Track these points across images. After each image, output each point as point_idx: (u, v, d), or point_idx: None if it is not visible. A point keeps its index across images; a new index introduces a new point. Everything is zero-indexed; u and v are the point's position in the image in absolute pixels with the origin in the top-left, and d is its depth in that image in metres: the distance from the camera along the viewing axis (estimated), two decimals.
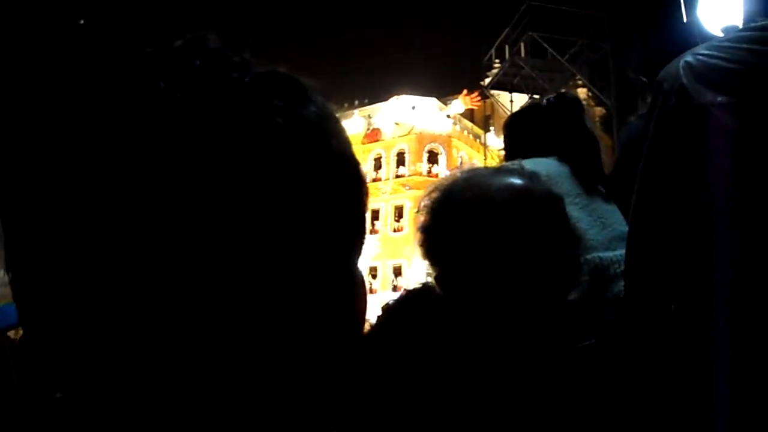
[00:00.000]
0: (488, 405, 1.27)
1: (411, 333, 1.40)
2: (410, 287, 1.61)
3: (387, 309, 1.53)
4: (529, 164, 1.70)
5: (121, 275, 0.54)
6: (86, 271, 0.55)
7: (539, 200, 1.36)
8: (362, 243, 0.69)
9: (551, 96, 2.39)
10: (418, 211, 1.45)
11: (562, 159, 2.04)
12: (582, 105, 2.33)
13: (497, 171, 1.43)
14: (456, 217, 1.37)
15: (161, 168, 0.55)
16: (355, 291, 0.68)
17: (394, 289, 35.49)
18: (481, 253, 1.31)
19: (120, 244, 0.54)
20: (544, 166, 1.62)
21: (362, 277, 0.70)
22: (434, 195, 1.44)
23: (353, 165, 0.68)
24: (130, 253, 0.54)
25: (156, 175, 0.54)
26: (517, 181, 1.38)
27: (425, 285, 1.59)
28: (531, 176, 1.41)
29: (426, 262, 1.44)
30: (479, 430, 1.26)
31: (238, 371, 0.57)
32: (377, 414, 1.33)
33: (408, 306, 1.49)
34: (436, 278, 1.43)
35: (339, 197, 0.64)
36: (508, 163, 1.51)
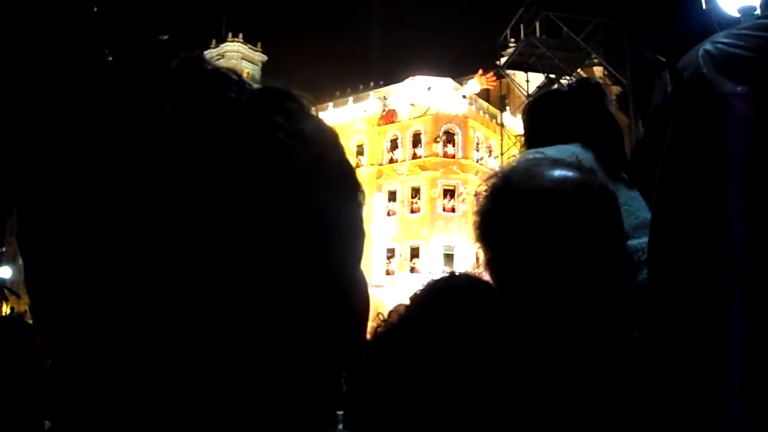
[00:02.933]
0: (537, 394, 1.30)
1: (453, 323, 1.42)
2: (434, 276, 1.63)
3: (418, 300, 1.55)
4: (553, 152, 1.72)
5: (131, 280, 0.57)
6: (95, 274, 0.58)
7: (597, 195, 1.39)
8: (362, 245, 0.71)
9: (573, 81, 2.39)
10: (475, 195, 1.48)
11: (585, 145, 2.04)
12: (604, 90, 2.33)
13: (556, 163, 1.45)
14: (516, 205, 1.39)
15: (172, 189, 0.58)
16: (355, 292, 0.70)
17: (412, 270, 35.40)
18: (538, 242, 1.34)
19: (132, 256, 0.57)
20: (568, 153, 1.63)
21: (364, 278, 0.73)
22: (493, 181, 1.47)
23: (351, 173, 0.71)
24: (141, 264, 0.57)
25: (167, 196, 0.57)
26: (576, 174, 1.41)
27: (452, 274, 1.61)
28: (589, 171, 1.44)
29: (477, 245, 1.46)
30: (531, 418, 1.29)
31: (231, 370, 0.59)
32: (428, 402, 1.35)
33: (441, 296, 1.51)
34: (488, 261, 1.45)
35: (339, 204, 0.67)
36: (563, 156, 1.52)
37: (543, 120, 2.30)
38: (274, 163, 0.61)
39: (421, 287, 1.60)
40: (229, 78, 0.65)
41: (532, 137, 2.34)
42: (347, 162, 0.71)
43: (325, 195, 0.64)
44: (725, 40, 1.56)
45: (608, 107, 2.24)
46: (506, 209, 1.41)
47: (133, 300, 0.57)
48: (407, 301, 1.60)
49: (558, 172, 1.42)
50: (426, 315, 1.49)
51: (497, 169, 1.53)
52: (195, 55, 0.67)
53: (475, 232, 1.48)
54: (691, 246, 1.55)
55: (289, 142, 0.63)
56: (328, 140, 0.68)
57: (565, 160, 1.47)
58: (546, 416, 1.28)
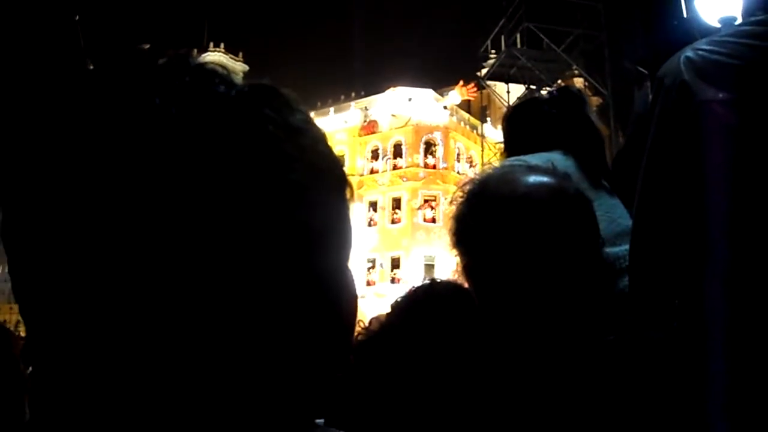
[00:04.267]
0: (513, 399, 1.29)
1: (435, 329, 1.41)
2: (415, 284, 1.62)
3: (398, 307, 1.54)
4: (535, 159, 1.71)
5: (125, 275, 0.56)
6: (79, 274, 0.57)
7: (572, 200, 1.39)
8: (350, 242, 0.71)
9: (554, 89, 2.39)
10: (451, 201, 1.49)
11: (566, 153, 2.03)
12: (585, 98, 2.33)
13: (532, 169, 1.46)
14: (491, 210, 1.40)
15: (161, 178, 0.57)
16: (344, 290, 0.69)
17: (393, 280, 35.44)
18: (513, 247, 1.34)
19: (128, 248, 0.56)
20: (548, 160, 1.63)
21: (352, 277, 0.72)
22: (469, 187, 1.47)
23: (339, 167, 0.70)
24: (132, 256, 0.56)
25: (155, 184, 0.56)
26: (551, 180, 1.41)
27: (432, 281, 1.60)
28: (564, 176, 1.44)
29: (453, 251, 1.47)
30: (506, 423, 1.28)
31: (217, 372, 0.58)
32: (403, 409, 1.34)
33: (422, 303, 1.51)
34: (464, 267, 1.46)
35: (329, 199, 0.67)
36: (541, 163, 1.53)
37: (523, 128, 2.30)
38: (266, 155, 0.61)
39: (402, 295, 1.59)
40: (216, 73, 0.65)
41: (512, 145, 2.34)
42: (335, 156, 0.70)
43: (315, 189, 0.64)
44: (707, 47, 1.56)
45: (590, 115, 2.24)
46: (481, 214, 1.41)
47: (117, 299, 0.56)
48: (388, 310, 1.59)
49: (533, 178, 1.42)
50: (407, 322, 1.48)
51: (474, 176, 1.53)
52: (182, 52, 0.66)
53: (451, 238, 1.48)
54: (672, 252, 1.55)
55: (279, 134, 0.62)
56: (317, 134, 0.68)
57: (540, 167, 1.48)
58: (523, 423, 1.28)
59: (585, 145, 2.11)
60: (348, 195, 0.70)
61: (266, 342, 0.60)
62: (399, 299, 1.57)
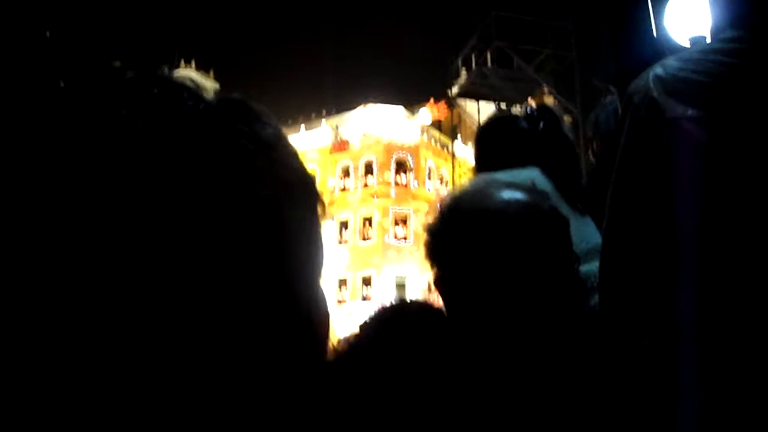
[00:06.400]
0: (484, 416, 1.29)
1: (403, 349, 1.40)
2: (385, 302, 1.60)
3: (367, 327, 1.53)
4: (507, 175, 1.70)
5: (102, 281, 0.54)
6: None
7: (546, 217, 1.41)
8: (322, 257, 0.70)
9: (529, 106, 2.38)
10: (426, 215, 1.55)
11: (542, 169, 2.01)
12: (561, 115, 2.32)
13: (508, 185, 1.47)
14: (463, 224, 1.42)
15: (125, 190, 0.55)
16: (316, 305, 0.68)
17: (364, 299, 35.40)
18: (484, 261, 1.36)
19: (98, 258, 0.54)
20: (523, 177, 1.62)
21: (323, 292, 0.71)
22: (446, 202, 1.50)
23: (311, 182, 0.70)
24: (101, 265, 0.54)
25: (120, 197, 0.55)
26: (526, 196, 1.43)
27: (401, 300, 1.59)
28: (540, 193, 1.46)
29: (426, 270, 1.52)
30: None
31: (181, 384, 0.57)
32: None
33: (391, 322, 1.49)
34: (435, 280, 1.49)
35: (300, 212, 0.66)
36: (515, 179, 1.54)
37: (497, 144, 2.28)
38: (237, 169, 0.60)
39: (371, 315, 1.58)
40: (184, 86, 0.64)
41: (484, 161, 2.32)
42: (307, 172, 0.69)
43: (286, 204, 0.63)
44: (676, 64, 1.57)
45: (566, 133, 2.24)
46: (455, 227, 1.43)
47: (75, 308, 0.54)
48: (356, 331, 1.57)
49: (508, 194, 1.43)
50: (375, 342, 1.46)
51: (450, 192, 1.56)
52: (151, 67, 0.65)
53: (425, 250, 1.51)
54: (643, 269, 1.55)
55: (250, 148, 0.61)
56: (288, 148, 0.67)
57: (516, 183, 1.49)
58: None
59: (560, 163, 2.10)
60: (320, 211, 0.69)
61: (235, 361, 0.59)
62: (367, 319, 1.56)
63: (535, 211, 1.39)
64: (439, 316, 1.45)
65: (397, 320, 1.49)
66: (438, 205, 1.51)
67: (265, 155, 0.62)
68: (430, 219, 1.51)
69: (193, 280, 0.56)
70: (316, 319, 0.68)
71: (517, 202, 1.41)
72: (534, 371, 1.33)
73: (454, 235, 1.43)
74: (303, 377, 0.67)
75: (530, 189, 1.45)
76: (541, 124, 2.22)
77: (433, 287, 1.53)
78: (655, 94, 1.53)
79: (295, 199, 0.65)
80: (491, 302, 1.35)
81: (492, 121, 2.42)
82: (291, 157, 0.67)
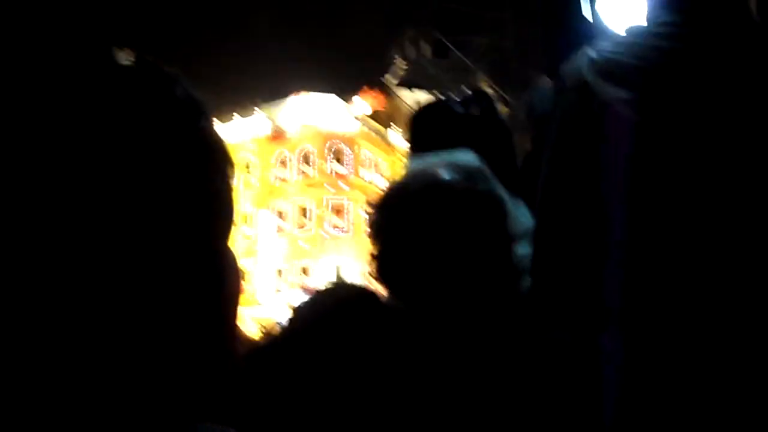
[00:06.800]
0: (419, 400, 1.30)
1: (339, 331, 1.40)
2: (320, 287, 1.60)
3: (301, 310, 1.52)
4: (439, 157, 1.70)
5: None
6: None
7: (482, 196, 1.46)
8: (232, 219, 0.70)
9: (464, 91, 2.38)
10: (370, 198, 1.60)
11: (473, 152, 2.01)
12: (495, 99, 2.33)
13: (449, 165, 1.52)
14: (405, 202, 1.47)
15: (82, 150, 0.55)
16: (223, 271, 0.68)
17: (302, 289, 35.29)
18: (423, 239, 1.40)
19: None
20: (454, 158, 1.62)
21: (234, 257, 0.72)
22: (390, 184, 1.60)
23: (222, 142, 0.70)
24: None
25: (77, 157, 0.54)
26: (462, 177, 1.47)
27: (335, 284, 1.58)
28: (477, 173, 1.51)
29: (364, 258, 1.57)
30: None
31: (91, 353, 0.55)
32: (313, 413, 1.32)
33: (326, 306, 1.49)
34: (374, 256, 1.53)
35: (211, 173, 0.66)
36: (459, 162, 1.56)
37: (431, 127, 2.27)
38: (166, 133, 0.61)
39: (305, 300, 1.57)
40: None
41: (418, 144, 2.31)
42: (220, 136, 0.69)
43: (209, 162, 0.62)
44: (608, 47, 1.58)
45: (500, 116, 2.25)
46: (396, 206, 1.48)
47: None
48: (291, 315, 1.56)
49: (446, 174, 1.46)
50: (310, 326, 1.45)
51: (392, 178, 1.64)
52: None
53: (368, 228, 1.58)
54: (573, 253, 1.56)
55: (176, 110, 0.63)
56: (200, 109, 0.66)
57: (456, 163, 1.50)
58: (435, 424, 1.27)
59: (494, 146, 2.10)
60: (230, 172, 0.69)
61: (149, 324, 0.58)
62: (302, 303, 1.55)
63: (473, 190, 1.41)
64: (373, 298, 1.45)
65: (330, 303, 1.49)
66: (380, 190, 1.55)
67: (189, 119, 0.62)
68: (374, 199, 1.57)
69: (124, 231, 0.56)
70: (228, 276, 0.68)
71: (456, 181, 1.44)
72: (470, 354, 1.34)
73: (395, 213, 1.47)
74: (214, 344, 0.66)
75: (466, 169, 1.46)
76: (476, 108, 2.22)
77: (369, 275, 1.56)
78: (588, 77, 1.54)
79: (211, 162, 0.64)
80: (429, 281, 1.37)
81: (427, 106, 2.42)
82: (203, 118, 0.67)
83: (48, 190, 0.54)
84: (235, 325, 0.73)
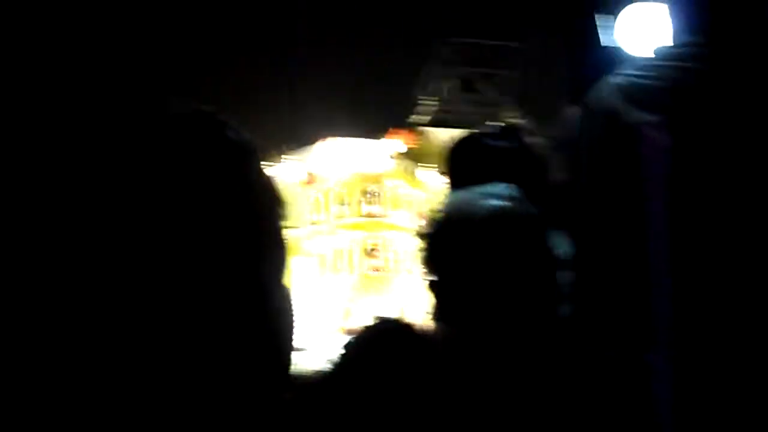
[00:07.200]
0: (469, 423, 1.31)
1: (388, 365, 1.42)
2: (369, 323, 1.62)
3: (354, 345, 1.54)
4: (488, 188, 1.72)
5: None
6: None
7: (528, 221, 1.50)
8: (285, 256, 0.72)
9: (496, 125, 2.40)
10: (418, 225, 1.62)
11: (509, 185, 2.01)
12: (527, 132, 2.34)
13: (491, 195, 1.57)
14: (453, 231, 1.52)
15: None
16: (274, 307, 0.70)
17: (345, 331, 34.87)
18: (472, 266, 1.44)
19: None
20: (503, 189, 1.64)
21: (288, 294, 0.73)
22: (436, 211, 1.62)
23: (274, 184, 0.74)
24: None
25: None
26: (508, 203, 1.53)
27: (380, 320, 1.60)
28: (520, 200, 1.55)
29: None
30: None
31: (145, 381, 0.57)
32: None
33: (379, 341, 1.51)
34: (430, 284, 1.55)
35: (266, 212, 0.70)
36: (499, 189, 1.60)
37: (466, 162, 2.28)
38: (222, 172, 0.64)
39: (354, 336, 1.59)
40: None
41: (456, 181, 2.31)
42: (266, 172, 0.73)
43: (263, 205, 0.64)
44: (634, 72, 1.59)
45: (532, 149, 2.25)
46: (445, 235, 1.52)
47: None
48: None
49: (492, 202, 1.52)
50: (359, 362, 1.47)
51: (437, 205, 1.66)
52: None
53: (420, 258, 1.60)
54: (615, 277, 1.56)
55: (238, 154, 0.67)
56: (250, 149, 0.68)
57: (496, 192, 1.53)
58: None
59: (529, 178, 2.11)
60: (283, 212, 0.70)
61: (202, 348, 0.59)
62: (350, 339, 1.56)
63: (517, 215, 1.44)
64: (418, 331, 1.47)
65: (377, 339, 1.51)
66: (426, 219, 1.61)
67: (243, 162, 0.64)
68: (423, 229, 1.60)
69: (181, 272, 0.57)
70: (284, 310, 0.71)
71: (501, 209, 1.50)
72: (523, 374, 1.35)
73: (444, 242, 1.51)
74: (266, 372, 0.67)
75: (510, 196, 1.51)
76: (509, 142, 2.24)
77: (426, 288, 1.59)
78: (614, 101, 1.55)
79: (268, 203, 0.66)
80: (481, 305, 1.40)
81: (460, 141, 2.43)
82: (257, 160, 0.71)
83: (105, 229, 0.56)
84: (289, 360, 0.73)
